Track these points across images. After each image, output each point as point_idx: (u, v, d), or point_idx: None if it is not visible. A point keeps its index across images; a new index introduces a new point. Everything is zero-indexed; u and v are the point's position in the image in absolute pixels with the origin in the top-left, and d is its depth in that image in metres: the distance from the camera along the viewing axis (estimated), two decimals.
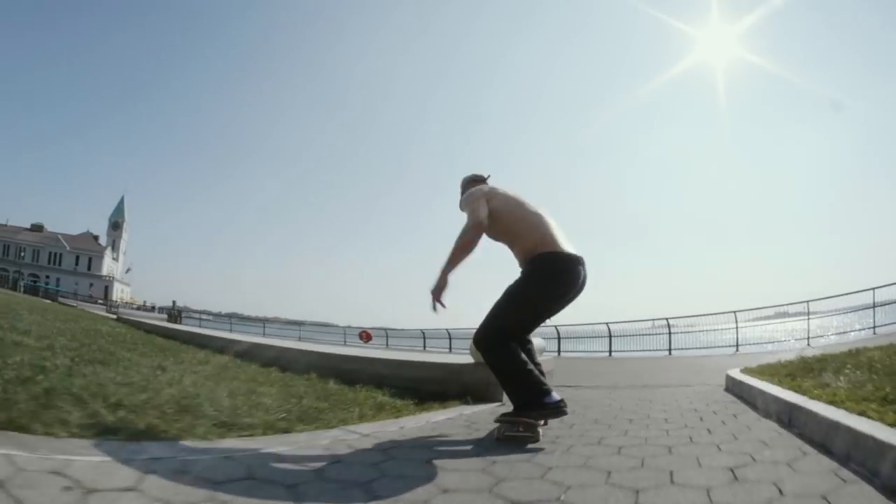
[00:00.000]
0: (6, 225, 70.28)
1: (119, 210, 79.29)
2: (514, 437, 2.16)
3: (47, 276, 65.87)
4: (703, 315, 14.33)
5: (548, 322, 2.59)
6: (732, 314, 13.12)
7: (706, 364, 7.65)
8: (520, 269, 2.49)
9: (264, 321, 29.72)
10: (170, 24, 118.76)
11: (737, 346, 12.57)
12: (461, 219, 2.54)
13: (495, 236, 2.56)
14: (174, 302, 34.26)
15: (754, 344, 12.57)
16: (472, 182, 2.80)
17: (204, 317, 32.45)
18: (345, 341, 23.92)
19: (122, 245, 78.51)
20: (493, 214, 2.48)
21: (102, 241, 75.82)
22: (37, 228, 72.09)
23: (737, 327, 12.93)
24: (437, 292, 2.35)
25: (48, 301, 28.52)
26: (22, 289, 39.58)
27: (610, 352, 14.92)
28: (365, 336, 23.61)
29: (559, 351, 14.83)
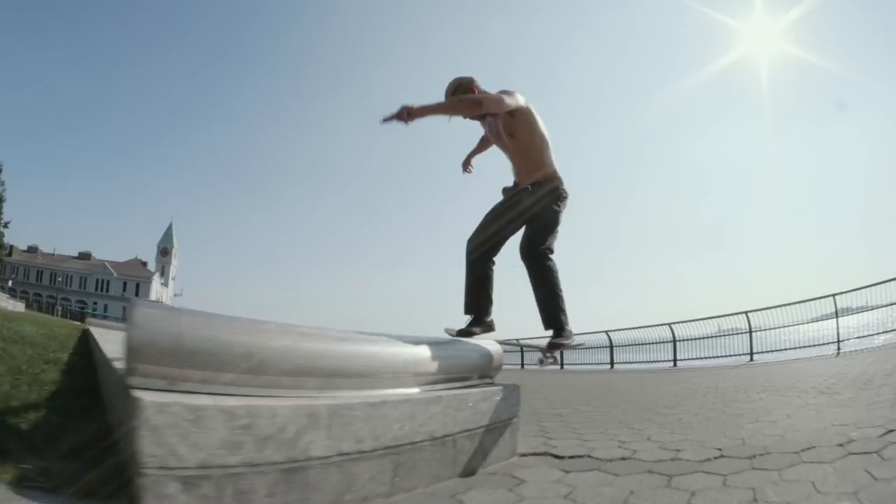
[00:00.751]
0: (53, 254, 73.84)
1: (168, 236, 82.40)
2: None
3: (95, 303, 68.67)
4: (707, 318, 12.29)
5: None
6: (744, 315, 11.27)
7: (721, 380, 5.98)
8: (519, 179, 2.64)
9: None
10: (216, 46, 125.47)
11: (751, 354, 10.77)
12: None
13: (513, 141, 2.59)
14: None
15: (772, 351, 10.65)
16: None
17: None
18: None
19: (172, 270, 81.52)
20: (528, 117, 2.52)
21: (151, 267, 79.42)
22: (84, 257, 75.50)
23: (750, 331, 11.05)
24: (408, 113, 2.21)
25: (72, 321, 29.32)
26: (59, 312, 41.36)
27: (612, 363, 13.32)
28: None
29: (562, 364, 13.25)
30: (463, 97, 2.47)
